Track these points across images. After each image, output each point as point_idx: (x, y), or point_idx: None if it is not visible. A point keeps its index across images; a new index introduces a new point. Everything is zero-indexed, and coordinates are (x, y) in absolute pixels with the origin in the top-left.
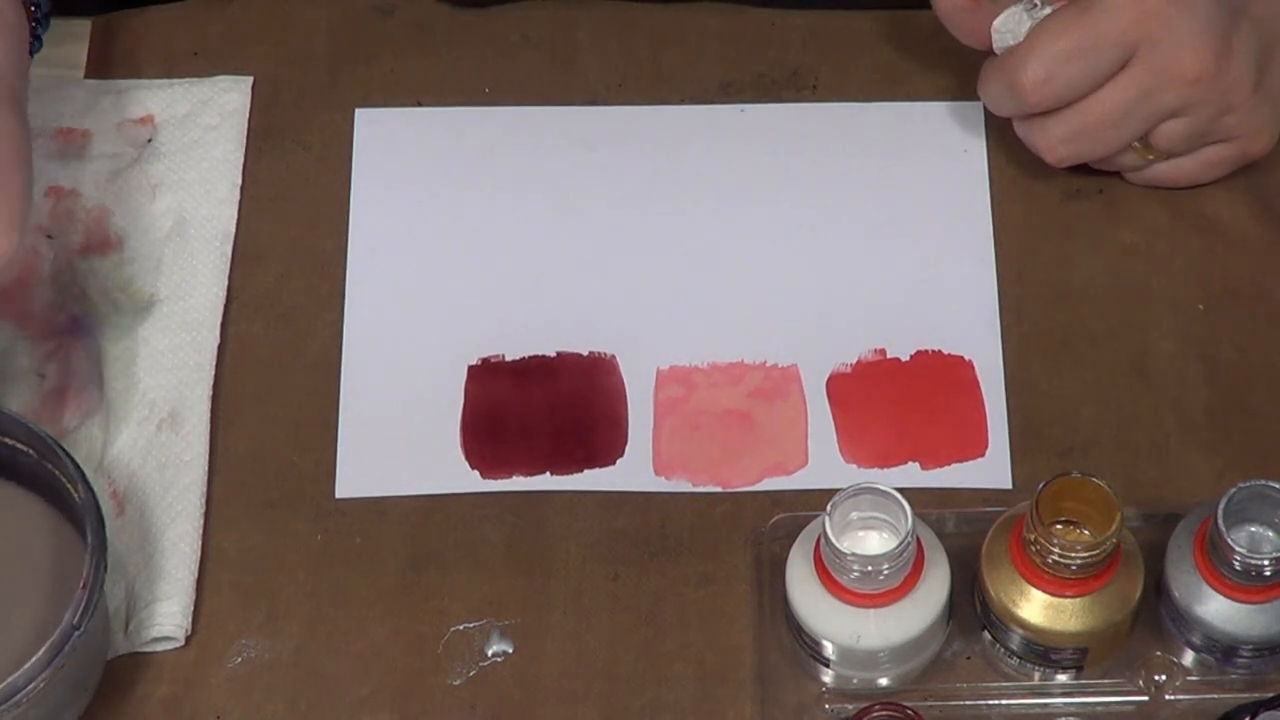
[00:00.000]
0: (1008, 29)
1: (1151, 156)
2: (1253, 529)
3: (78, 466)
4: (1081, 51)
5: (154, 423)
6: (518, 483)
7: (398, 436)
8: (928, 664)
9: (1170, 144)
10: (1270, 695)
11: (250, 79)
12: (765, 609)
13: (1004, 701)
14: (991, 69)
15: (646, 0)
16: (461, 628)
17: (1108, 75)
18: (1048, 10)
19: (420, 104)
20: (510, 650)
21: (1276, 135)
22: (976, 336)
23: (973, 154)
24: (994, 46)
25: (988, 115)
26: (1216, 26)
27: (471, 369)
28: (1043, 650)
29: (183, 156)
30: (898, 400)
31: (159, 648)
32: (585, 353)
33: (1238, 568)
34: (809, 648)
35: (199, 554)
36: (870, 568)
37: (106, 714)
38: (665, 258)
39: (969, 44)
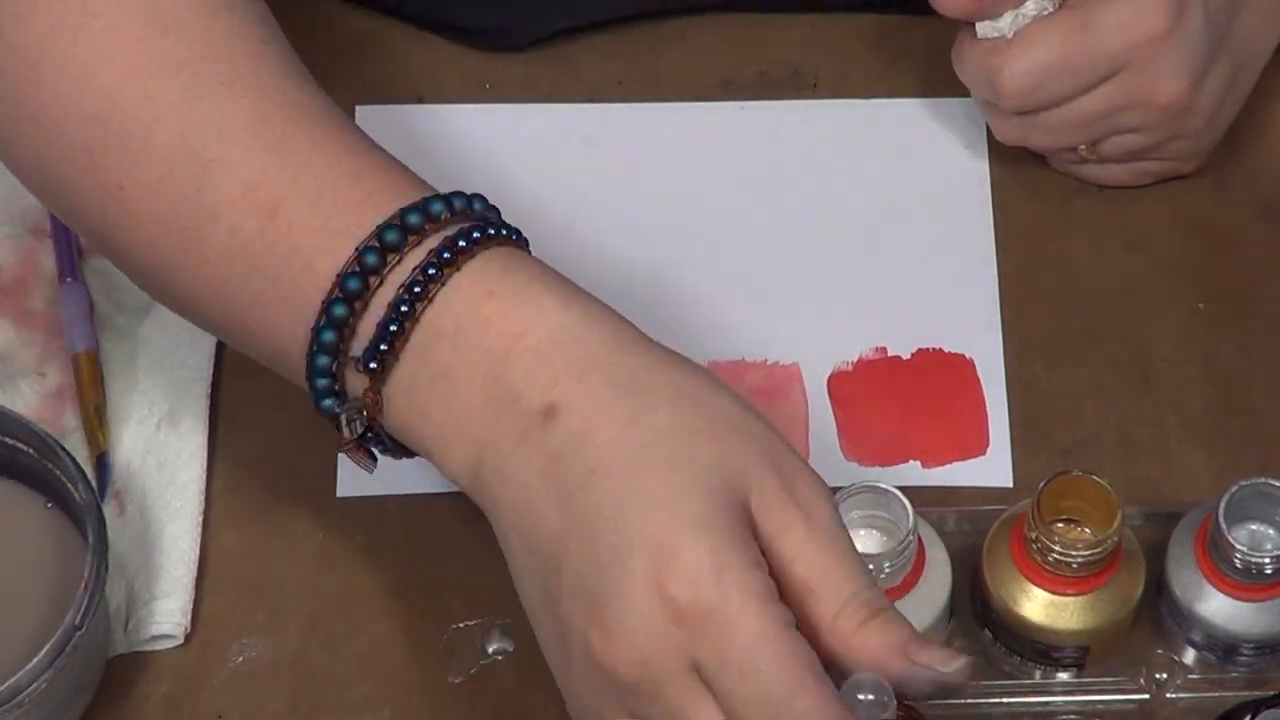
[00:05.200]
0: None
1: (1092, 157)
2: (1254, 527)
3: (78, 466)
4: (1073, 68)
5: (153, 421)
6: None
7: None
8: None
9: (1114, 152)
10: (1271, 694)
11: None
12: None
13: (1005, 700)
14: (974, 53)
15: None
16: (462, 626)
17: (1088, 90)
18: (1037, 10)
19: (421, 101)
20: (511, 649)
21: (1204, 158)
22: (977, 335)
23: (973, 153)
24: (977, 30)
25: None
26: (1200, 61)
27: None
28: (1044, 648)
29: None
30: (899, 398)
31: (158, 646)
32: None
33: (1239, 566)
34: None
35: (198, 551)
36: (871, 566)
37: (106, 714)
38: (665, 255)
39: (947, 14)
